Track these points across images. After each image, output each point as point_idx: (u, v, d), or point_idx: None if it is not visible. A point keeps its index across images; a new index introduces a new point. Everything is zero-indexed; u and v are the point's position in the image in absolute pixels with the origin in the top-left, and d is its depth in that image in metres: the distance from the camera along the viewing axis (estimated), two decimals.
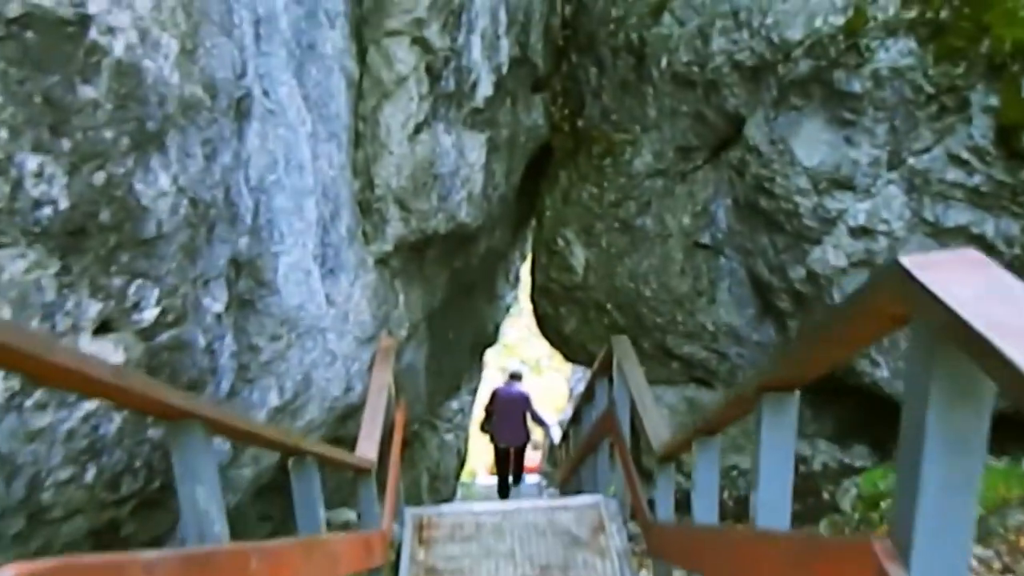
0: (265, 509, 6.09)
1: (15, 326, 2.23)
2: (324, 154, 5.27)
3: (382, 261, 6.39)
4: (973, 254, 1.41)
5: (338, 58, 5.53)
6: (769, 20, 6.75)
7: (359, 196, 6.11)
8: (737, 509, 7.68)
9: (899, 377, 6.54)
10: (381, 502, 5.48)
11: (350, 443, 5.49)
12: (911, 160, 6.21)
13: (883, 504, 6.39)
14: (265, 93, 4.34)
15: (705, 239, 7.93)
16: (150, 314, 2.84)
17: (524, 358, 27.46)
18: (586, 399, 8.32)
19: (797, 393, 2.39)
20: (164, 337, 2.96)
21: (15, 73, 2.28)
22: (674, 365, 8.54)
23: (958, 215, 6.06)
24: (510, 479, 13.86)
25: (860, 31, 6.20)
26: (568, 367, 16.11)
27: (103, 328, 2.72)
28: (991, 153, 5.79)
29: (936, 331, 1.36)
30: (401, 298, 6.91)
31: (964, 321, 1.21)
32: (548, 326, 9.62)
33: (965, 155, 5.91)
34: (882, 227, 6.40)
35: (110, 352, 2.73)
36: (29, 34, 2.30)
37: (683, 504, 5.49)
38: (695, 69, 7.36)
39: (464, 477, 14.81)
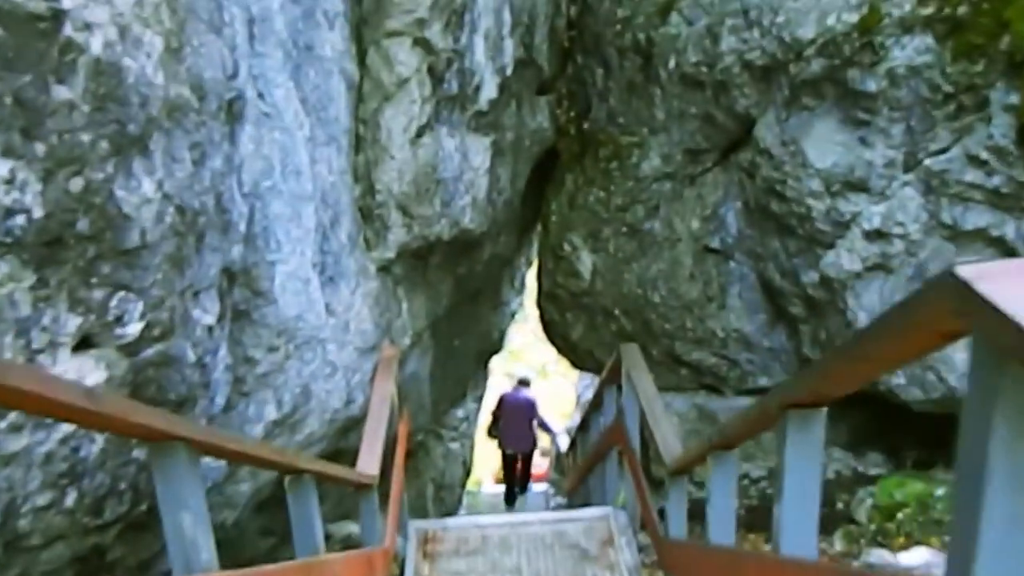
0: (266, 524, 5.91)
1: None
2: (323, 159, 5.11)
3: (384, 268, 6.23)
4: None
5: (337, 60, 5.37)
6: (780, 18, 6.58)
7: (360, 202, 5.95)
8: (749, 518, 7.51)
9: (915, 384, 6.37)
10: (384, 515, 5.32)
11: (352, 455, 5.33)
12: (928, 161, 6.03)
13: (900, 515, 6.22)
14: (260, 95, 4.18)
15: (715, 243, 7.76)
16: (134, 328, 2.68)
17: (530, 363, 27.28)
18: (594, 407, 8.15)
19: (824, 410, 2.22)
20: (150, 352, 2.79)
21: None
22: (683, 372, 8.36)
23: (977, 217, 5.88)
24: (516, 488, 13.74)
25: (875, 28, 6.03)
26: (575, 373, 15.93)
27: (84, 344, 2.56)
28: (1012, 153, 5.61)
29: (1002, 350, 1.19)
30: (404, 306, 6.74)
31: None
32: (555, 332, 9.45)
33: (984, 155, 5.73)
34: (898, 230, 6.22)
35: (91, 369, 2.58)
36: None
37: (694, 514, 5.34)
38: (704, 69, 7.19)
39: (470, 486, 14.62)
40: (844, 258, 6.51)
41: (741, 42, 6.88)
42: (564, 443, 13.31)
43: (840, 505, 7.04)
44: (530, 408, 12.39)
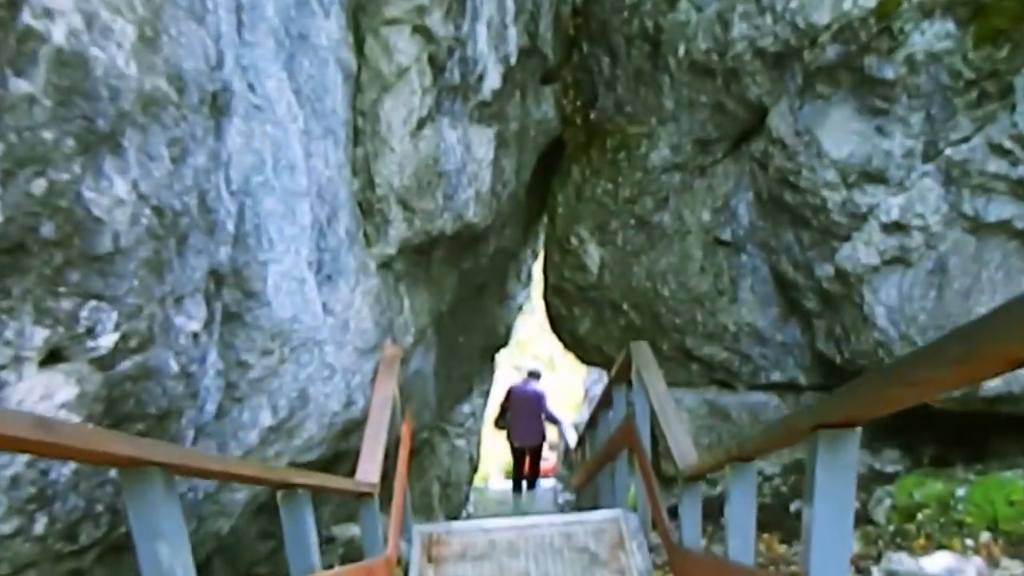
0: (266, 527, 5.73)
1: None
2: (319, 152, 4.91)
3: (385, 265, 6.03)
4: None
5: (333, 49, 5.17)
6: (794, 3, 6.34)
7: (359, 196, 5.75)
8: (762, 517, 7.32)
9: None
10: (386, 515, 5.14)
11: (353, 457, 5.14)
12: (948, 151, 5.81)
13: (919, 515, 6.02)
14: (250, 87, 3.98)
15: (726, 236, 7.56)
16: (107, 340, 2.49)
17: (537, 354, 27.10)
18: (603, 405, 7.96)
19: (858, 430, 2.02)
20: (126, 365, 2.60)
21: None
22: (694, 367, 8.17)
23: (1000, 209, 5.66)
24: (524, 483, 13.61)
25: (893, 13, 5.79)
26: (583, 366, 15.77)
27: (52, 358, 2.37)
28: None
29: None
30: (406, 303, 6.55)
31: None
32: (561, 327, 9.25)
33: (1008, 144, 5.50)
34: (917, 222, 6.00)
35: (60, 385, 2.38)
36: None
37: (707, 512, 5.14)
38: (714, 57, 6.97)
39: (477, 482, 14.45)
40: (861, 251, 6.30)
41: (753, 28, 6.66)
42: (572, 437, 13.13)
43: (857, 505, 6.85)
44: (539, 402, 12.26)
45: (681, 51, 7.22)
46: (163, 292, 2.77)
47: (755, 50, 6.67)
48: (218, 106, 3.22)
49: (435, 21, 5.74)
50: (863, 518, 6.41)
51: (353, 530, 6.71)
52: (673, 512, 6.66)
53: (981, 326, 1.22)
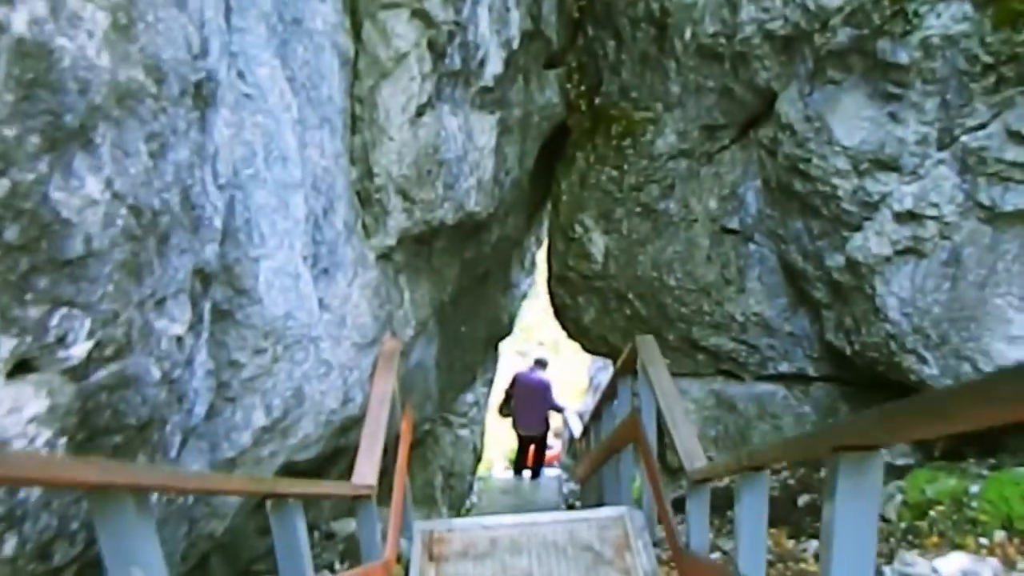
0: (264, 523, 5.59)
1: None
2: (314, 142, 4.75)
3: (384, 256, 5.88)
4: None
5: (329, 34, 5.00)
6: None
7: (357, 186, 5.58)
8: (768, 511, 7.20)
9: (948, 375, 5.99)
10: (386, 507, 5.01)
11: (353, 452, 5.01)
12: (964, 138, 5.62)
13: (932, 512, 5.88)
14: (240, 75, 3.82)
15: (733, 224, 7.39)
16: (80, 349, 2.34)
17: (542, 339, 26.97)
18: (607, 398, 7.82)
19: (881, 452, 1.87)
20: (102, 374, 2.45)
21: None
22: (700, 357, 8.02)
23: (1018, 198, 5.47)
24: (528, 472, 13.52)
25: None
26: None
27: (20, 369, 2.22)
28: None
29: None
30: (406, 295, 6.39)
31: None
32: (566, 316, 9.09)
33: None
34: (931, 212, 5.83)
35: (30, 397, 2.23)
36: None
37: (714, 506, 5.00)
38: (722, 40, 6.78)
39: (481, 471, 14.33)
40: (872, 241, 6.13)
41: (762, 11, 6.47)
42: (577, 427, 13.00)
43: None
44: (545, 391, 12.14)
45: (688, 34, 7.03)
46: (142, 295, 2.62)
47: (764, 33, 6.49)
48: (203, 97, 3.06)
49: (434, 5, 5.56)
50: None
51: (353, 525, 6.58)
52: (678, 505, 6.55)
53: None
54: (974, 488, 5.82)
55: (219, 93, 3.31)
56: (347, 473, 4.82)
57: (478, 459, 13.17)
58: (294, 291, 4.25)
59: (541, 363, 12.68)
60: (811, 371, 7.43)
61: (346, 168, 5.35)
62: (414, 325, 6.60)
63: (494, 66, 6.54)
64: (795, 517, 6.27)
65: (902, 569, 4.92)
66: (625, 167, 7.77)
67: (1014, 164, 5.42)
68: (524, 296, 12.42)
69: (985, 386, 1.18)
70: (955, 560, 4.97)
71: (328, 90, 4.98)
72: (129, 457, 2.69)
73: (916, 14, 5.59)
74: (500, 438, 17.20)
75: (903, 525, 5.92)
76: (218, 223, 3.32)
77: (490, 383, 13.31)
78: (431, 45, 5.70)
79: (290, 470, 5.00)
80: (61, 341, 2.28)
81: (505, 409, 12.62)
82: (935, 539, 5.52)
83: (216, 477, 3.07)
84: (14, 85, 2.03)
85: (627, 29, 7.63)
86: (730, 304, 7.54)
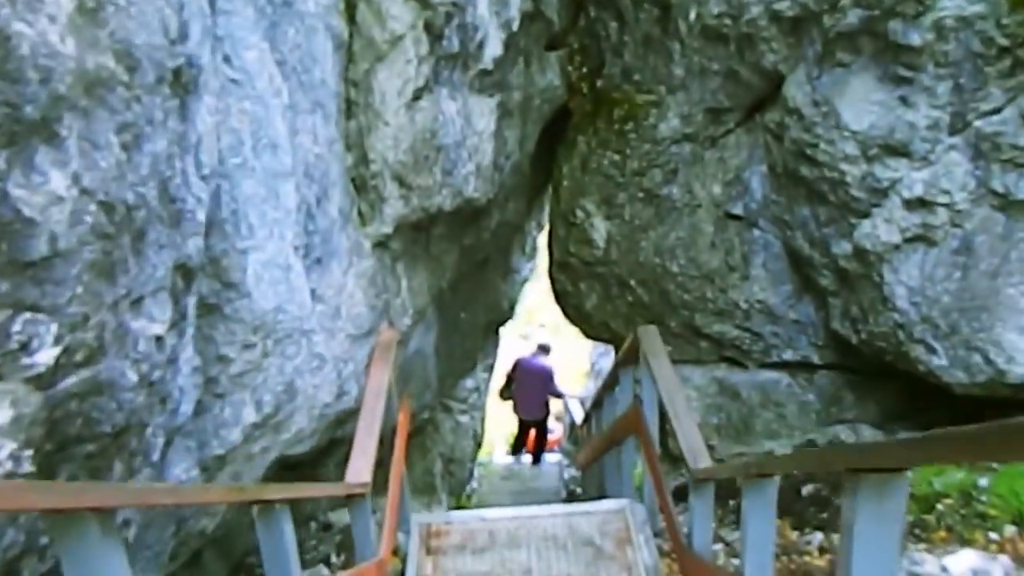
0: None
1: None
2: (306, 128, 4.59)
3: (381, 244, 5.72)
4: None
5: (322, 15, 4.82)
6: None
7: (352, 172, 5.42)
8: None
9: (958, 366, 5.86)
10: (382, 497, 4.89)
11: (349, 443, 4.87)
12: (978, 123, 5.47)
13: (939, 506, 5.76)
14: (225, 59, 3.66)
15: (738, 210, 7.23)
16: (46, 356, 2.20)
17: (543, 322, 26.85)
18: (608, 387, 7.69)
19: (907, 473, 1.72)
20: (71, 382, 2.31)
21: None
22: (703, 344, 7.89)
23: None
24: (530, 457, 13.45)
25: None
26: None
27: None
28: None
29: None
30: (404, 283, 6.25)
31: None
32: (567, 302, 8.95)
33: None
34: (942, 198, 5.68)
35: None
36: None
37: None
38: (727, 22, 6.59)
39: (481, 456, 14.24)
40: (881, 228, 5.99)
41: None
42: (578, 412, 12.90)
43: None
44: (547, 377, 12.04)
45: (692, 15, 6.84)
46: (116, 296, 2.47)
47: (771, 14, 6.31)
48: (182, 83, 2.90)
49: None
50: None
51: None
52: (680, 493, 6.43)
53: None
54: (983, 481, 5.69)
55: (202, 79, 3.16)
56: (344, 462, 4.69)
57: (478, 445, 13.08)
58: (285, 283, 4.10)
59: (544, 348, 12.58)
60: (816, 359, 7.30)
61: (340, 154, 5.19)
62: (412, 313, 6.46)
63: (493, 48, 6.36)
64: (799, 508, 6.16)
65: (911, 568, 4.80)
66: (627, 151, 7.60)
67: None
68: (525, 281, 12.28)
69: None
70: (965, 558, 4.85)
71: (321, 74, 4.82)
72: (104, 466, 2.56)
73: None
74: (501, 423, 17.10)
75: (910, 519, 5.80)
76: (201, 216, 3.17)
77: (490, 368, 13.20)
78: (428, 27, 5.53)
79: (284, 463, 4.88)
80: (24, 348, 2.14)
81: (506, 393, 12.54)
82: (943, 534, 5.40)
83: (193, 490, 2.94)
84: None
85: (630, 10, 7.45)
86: (734, 291, 7.41)
